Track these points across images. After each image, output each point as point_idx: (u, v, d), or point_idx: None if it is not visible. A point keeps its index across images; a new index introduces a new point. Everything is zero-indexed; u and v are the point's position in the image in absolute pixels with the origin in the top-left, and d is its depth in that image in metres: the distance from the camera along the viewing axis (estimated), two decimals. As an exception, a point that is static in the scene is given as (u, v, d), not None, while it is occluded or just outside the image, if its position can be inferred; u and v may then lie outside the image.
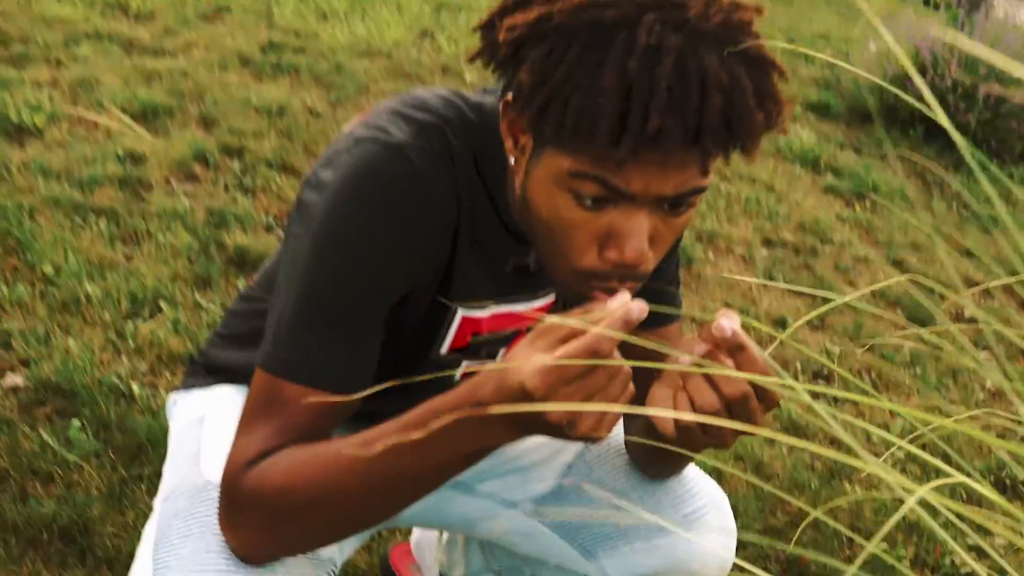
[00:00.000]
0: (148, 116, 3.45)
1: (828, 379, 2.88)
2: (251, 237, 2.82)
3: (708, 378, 0.92)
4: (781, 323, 3.15)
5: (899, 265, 3.80)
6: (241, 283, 2.59)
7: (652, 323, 1.13)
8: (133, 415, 2.05)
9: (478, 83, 4.54)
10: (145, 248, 2.68)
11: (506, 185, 1.05)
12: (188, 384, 1.31)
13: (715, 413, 0.91)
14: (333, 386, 1.00)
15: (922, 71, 5.07)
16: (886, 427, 2.73)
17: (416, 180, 1.00)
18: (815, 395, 2.81)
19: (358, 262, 0.99)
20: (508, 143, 0.99)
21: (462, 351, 1.17)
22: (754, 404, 0.92)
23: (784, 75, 0.90)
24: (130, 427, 2.01)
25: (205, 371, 1.30)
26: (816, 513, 0.56)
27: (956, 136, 0.57)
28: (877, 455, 2.62)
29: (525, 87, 0.88)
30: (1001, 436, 2.89)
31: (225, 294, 2.54)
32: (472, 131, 1.05)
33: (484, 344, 1.18)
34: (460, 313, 1.12)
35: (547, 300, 1.20)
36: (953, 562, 2.26)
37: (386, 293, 1.03)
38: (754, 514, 2.22)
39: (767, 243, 3.73)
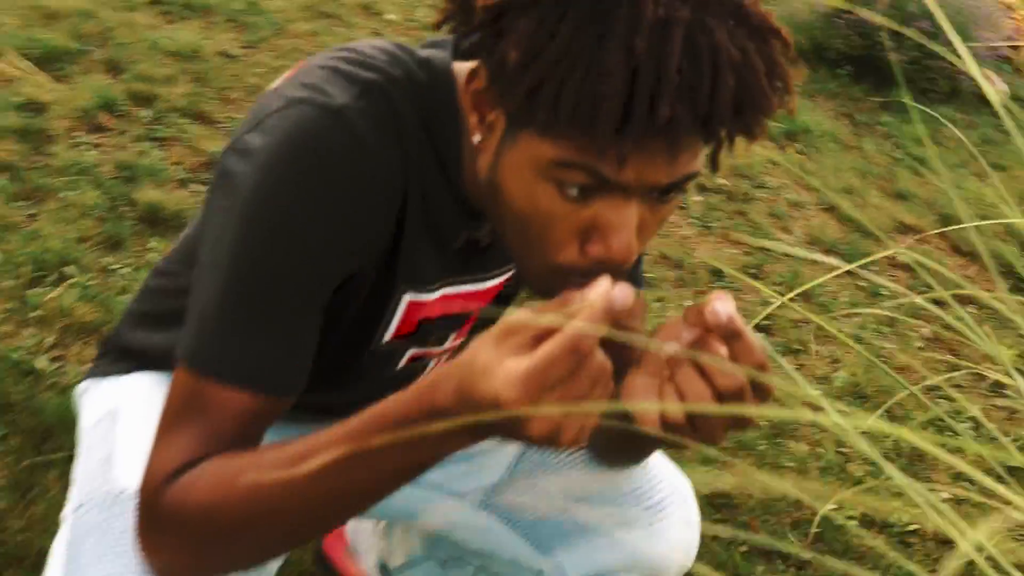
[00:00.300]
0: (49, 61, 3.23)
1: (768, 332, 2.82)
2: (164, 193, 2.65)
3: (698, 368, 0.82)
4: (718, 273, 3.07)
5: (832, 210, 3.75)
6: (155, 243, 2.43)
7: None
8: (40, 394, 1.89)
9: (400, 23, 4.37)
10: (48, 207, 2.49)
11: (460, 154, 0.93)
12: (100, 370, 1.18)
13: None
14: (266, 386, 0.89)
15: (850, 9, 5.00)
16: (827, 380, 2.68)
17: (358, 149, 0.87)
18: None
19: (292, 242, 0.87)
20: (472, 118, 0.87)
21: (408, 337, 1.06)
22: (749, 398, 0.82)
23: (788, 46, 0.79)
24: (37, 407, 1.85)
25: (119, 355, 1.17)
26: (826, 504, 0.46)
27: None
28: (818, 409, 2.56)
29: (510, 65, 0.75)
30: (938, 387, 2.86)
31: (137, 256, 2.38)
32: (422, 92, 0.92)
33: (432, 329, 1.07)
34: (407, 297, 1.01)
35: (501, 279, 1.10)
36: (901, 518, 2.22)
37: (325, 277, 0.91)
38: (700, 479, 2.15)
39: (701, 189, 3.65)
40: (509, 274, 1.10)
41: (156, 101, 3.13)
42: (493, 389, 0.74)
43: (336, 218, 0.88)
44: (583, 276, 0.84)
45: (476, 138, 0.87)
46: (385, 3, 4.54)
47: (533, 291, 0.93)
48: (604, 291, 0.76)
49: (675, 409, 0.81)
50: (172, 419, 0.89)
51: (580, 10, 0.74)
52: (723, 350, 0.81)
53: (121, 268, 2.32)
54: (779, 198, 3.73)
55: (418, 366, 1.12)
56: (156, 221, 2.52)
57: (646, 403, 0.82)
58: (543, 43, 0.74)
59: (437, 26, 0.85)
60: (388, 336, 1.04)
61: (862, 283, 3.25)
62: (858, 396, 2.64)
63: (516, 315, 0.79)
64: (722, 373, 0.79)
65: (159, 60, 3.40)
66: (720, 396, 0.80)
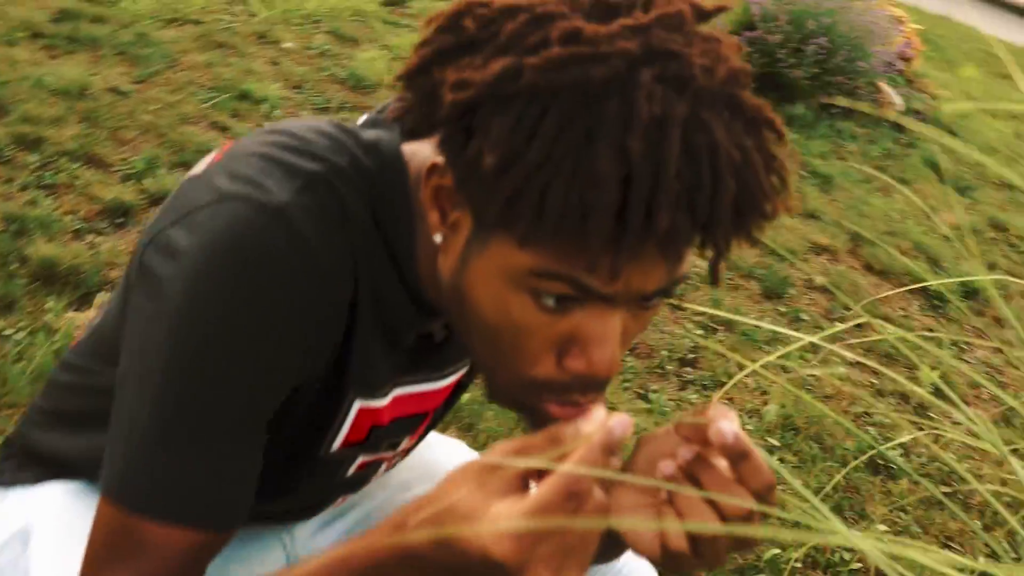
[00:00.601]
0: (-76, 104, 3.03)
1: (694, 364, 2.77)
2: (58, 246, 2.48)
3: (699, 486, 0.74)
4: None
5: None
6: (51, 303, 2.26)
7: None
8: (-70, 483, 1.73)
9: (298, 51, 4.23)
10: (-69, 267, 2.31)
11: (414, 246, 0.84)
12: (5, 478, 1.05)
13: (714, 536, 0.72)
14: (209, 520, 0.79)
15: (751, 27, 5.02)
16: (758, 414, 2.63)
17: (303, 252, 0.77)
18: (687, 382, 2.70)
19: (230, 360, 0.76)
20: (432, 215, 0.77)
21: (358, 445, 0.96)
22: (757, 520, 0.74)
23: (783, 138, 0.71)
24: (-73, 499, 1.69)
25: (26, 460, 1.04)
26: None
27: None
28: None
29: (484, 169, 0.66)
30: (867, 413, 2.85)
31: (33, 318, 2.21)
32: (370, 182, 0.82)
33: (385, 435, 0.97)
34: (357, 404, 0.91)
35: (456, 376, 1.00)
36: (843, 558, 2.18)
37: (268, 396, 0.81)
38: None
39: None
40: (465, 369, 1.01)
41: (44, 144, 2.94)
42: (481, 540, 0.67)
43: (279, 330, 0.77)
44: (560, 391, 0.77)
45: (437, 238, 0.78)
46: (281, 31, 4.40)
47: (501, 404, 0.84)
48: (601, 424, 0.68)
49: (680, 540, 0.73)
50: (102, 558, 0.80)
51: (564, 106, 0.64)
52: (725, 468, 0.73)
53: (15, 333, 2.15)
54: (693, 222, 3.70)
55: (369, 471, 1.02)
56: (51, 278, 2.36)
57: (647, 533, 0.74)
58: (522, 144, 0.65)
59: (394, 119, 0.76)
60: (336, 445, 0.94)
61: (782, 309, 3.23)
62: (789, 428, 2.60)
63: (500, 451, 0.71)
64: (729, 498, 0.71)
65: (45, 99, 3.21)
66: (727, 523, 0.72)
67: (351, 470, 0.99)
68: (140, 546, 0.77)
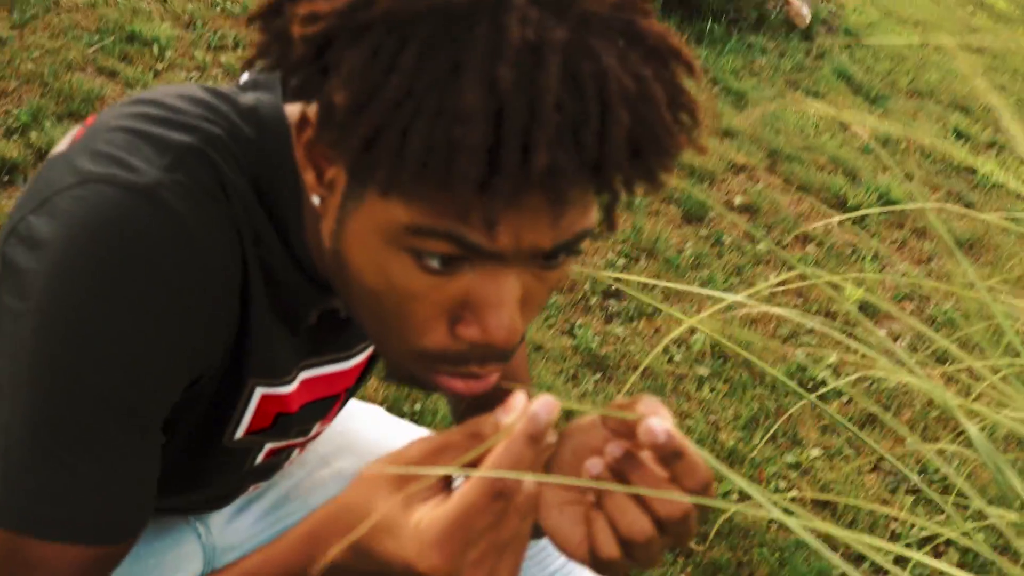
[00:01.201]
0: None
1: (618, 296, 2.71)
2: (-62, 211, 2.32)
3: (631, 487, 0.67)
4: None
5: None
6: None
7: None
8: None
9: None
10: None
11: (301, 219, 0.75)
12: None
13: (648, 540, 0.65)
14: (101, 535, 0.72)
15: (656, -58, 4.91)
16: (686, 343, 2.59)
17: (180, 234, 0.68)
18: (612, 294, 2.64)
19: (107, 359, 0.68)
20: (308, 175, 0.68)
21: (264, 432, 0.87)
22: (694, 520, 0.67)
23: (694, 70, 0.63)
24: None
25: None
26: None
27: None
28: (680, 375, 2.48)
29: (338, 108, 0.58)
30: (795, 335, 2.83)
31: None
32: (249, 150, 0.73)
33: (293, 422, 0.88)
34: (259, 391, 0.82)
35: (367, 353, 0.92)
36: (778, 487, 2.16)
37: (156, 394, 0.72)
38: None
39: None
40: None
41: (-83, 100, 2.75)
42: (404, 553, 0.62)
43: (158, 323, 0.69)
44: (455, 362, 0.69)
45: (315, 200, 0.70)
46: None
47: (399, 382, 0.76)
48: (523, 412, 0.61)
49: (612, 547, 0.66)
50: None
51: (424, 36, 0.56)
52: (645, 454, 0.66)
53: None
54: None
55: (279, 458, 0.94)
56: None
57: (575, 536, 0.68)
58: (379, 79, 0.56)
59: (249, 64, 0.66)
60: (240, 433, 0.86)
61: (703, 232, 3.18)
62: (718, 356, 2.57)
63: (417, 451, 0.64)
64: (663, 500, 0.64)
65: (-85, 51, 3.00)
66: (662, 526, 0.65)
67: (259, 458, 0.91)
68: (30, 568, 0.70)
